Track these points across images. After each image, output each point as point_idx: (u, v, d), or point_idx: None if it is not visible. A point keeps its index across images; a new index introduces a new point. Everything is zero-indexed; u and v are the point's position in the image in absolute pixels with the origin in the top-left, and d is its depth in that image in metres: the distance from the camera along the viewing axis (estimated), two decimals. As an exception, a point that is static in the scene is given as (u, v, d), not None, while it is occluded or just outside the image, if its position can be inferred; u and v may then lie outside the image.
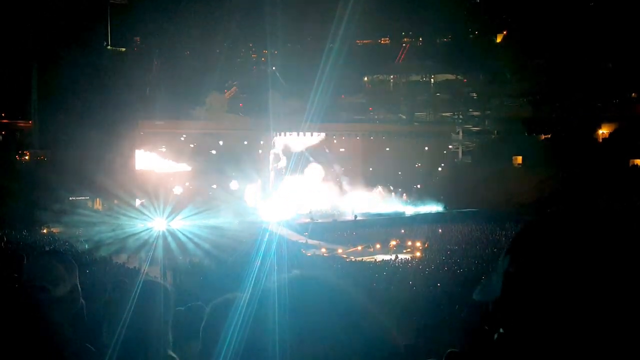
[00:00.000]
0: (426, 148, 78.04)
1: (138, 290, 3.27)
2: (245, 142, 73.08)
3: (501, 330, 1.23)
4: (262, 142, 73.02)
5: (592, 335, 1.09)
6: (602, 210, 1.25)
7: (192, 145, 70.40)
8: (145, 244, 37.34)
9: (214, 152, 71.07)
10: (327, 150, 73.79)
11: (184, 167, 68.90)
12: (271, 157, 73.35)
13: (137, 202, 52.78)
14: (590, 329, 1.09)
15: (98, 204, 60.28)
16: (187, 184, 66.64)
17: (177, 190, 62.82)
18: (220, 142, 72.47)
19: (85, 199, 58.66)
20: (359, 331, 1.41)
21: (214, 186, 66.20)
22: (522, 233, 1.29)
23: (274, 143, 73.41)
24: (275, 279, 1.56)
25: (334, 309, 1.43)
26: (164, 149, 69.02)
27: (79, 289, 3.19)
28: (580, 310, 1.10)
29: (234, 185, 66.88)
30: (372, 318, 1.48)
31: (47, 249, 29.89)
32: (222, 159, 68.03)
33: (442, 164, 78.69)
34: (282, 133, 72.79)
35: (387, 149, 75.75)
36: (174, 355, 3.30)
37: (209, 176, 65.95)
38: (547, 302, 1.13)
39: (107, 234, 41.59)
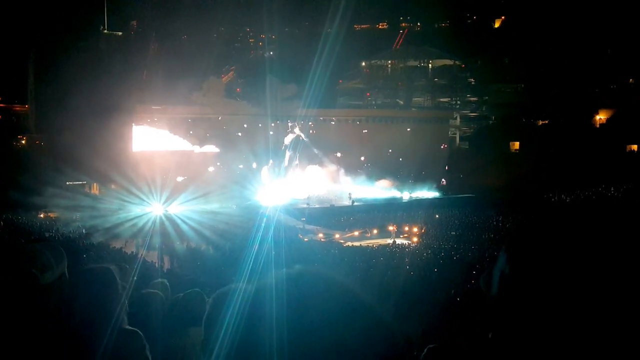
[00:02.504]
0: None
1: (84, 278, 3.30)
2: (245, 125, 73.06)
3: (490, 334, 1.24)
4: (272, 125, 72.78)
5: (585, 342, 1.09)
6: (601, 206, 1.24)
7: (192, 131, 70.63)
8: (142, 229, 37.33)
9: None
10: (323, 135, 73.70)
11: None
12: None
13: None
14: (584, 337, 1.10)
15: (95, 189, 60.23)
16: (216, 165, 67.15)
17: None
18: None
19: (82, 184, 58.60)
20: (359, 329, 1.42)
21: (211, 169, 66.55)
22: (519, 231, 1.29)
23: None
24: (273, 274, 1.57)
25: (335, 308, 1.44)
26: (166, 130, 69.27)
27: (67, 278, 3.21)
28: (573, 316, 1.10)
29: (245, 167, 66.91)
30: (374, 316, 1.48)
31: (35, 237, 29.90)
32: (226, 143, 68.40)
33: (440, 149, 78.58)
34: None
35: (383, 134, 75.51)
36: (132, 328, 3.34)
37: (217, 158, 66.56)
38: (539, 310, 1.13)
39: (104, 218, 41.59)
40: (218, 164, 67.63)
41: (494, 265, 1.29)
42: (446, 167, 73.27)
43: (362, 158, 72.45)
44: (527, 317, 1.15)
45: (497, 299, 1.24)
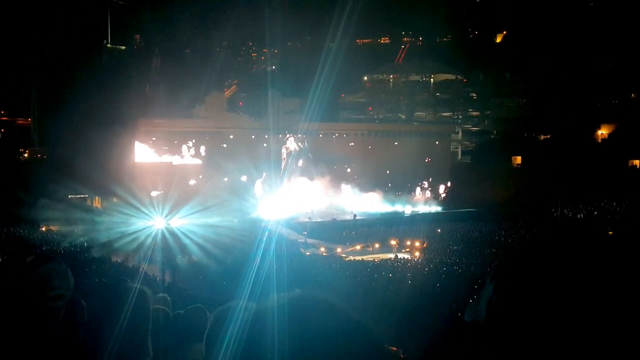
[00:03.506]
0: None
1: (112, 296, 3.27)
2: (253, 137, 73.20)
3: None
4: (266, 137, 72.85)
5: None
6: (592, 236, 1.25)
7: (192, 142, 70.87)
8: (144, 242, 37.25)
9: (224, 145, 71.32)
10: (324, 149, 73.65)
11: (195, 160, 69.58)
12: (283, 153, 73.35)
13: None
14: None
15: (97, 202, 60.23)
16: (200, 176, 67.21)
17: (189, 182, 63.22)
18: (231, 136, 72.81)
19: (84, 197, 58.63)
20: (358, 353, 1.42)
21: (201, 177, 66.77)
22: (507, 260, 1.30)
23: (285, 140, 73.47)
24: (275, 297, 1.57)
25: (334, 333, 1.45)
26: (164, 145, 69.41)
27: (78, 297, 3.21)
28: (563, 344, 1.10)
29: (242, 179, 66.88)
30: (373, 341, 1.49)
31: (42, 250, 29.81)
32: (226, 155, 68.29)
33: (442, 164, 78.45)
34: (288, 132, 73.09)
35: (387, 148, 75.55)
36: None
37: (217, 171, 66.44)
38: (528, 338, 1.13)
39: (105, 232, 41.52)
40: (201, 176, 67.58)
41: (480, 296, 1.30)
42: (429, 180, 73.09)
43: (362, 170, 72.27)
44: (516, 345, 1.16)
45: (485, 328, 1.25)
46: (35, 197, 48.35)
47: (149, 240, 37.29)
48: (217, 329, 2.58)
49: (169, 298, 6.40)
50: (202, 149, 70.71)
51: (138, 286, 3.43)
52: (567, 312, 1.09)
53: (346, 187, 68.13)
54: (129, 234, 39.76)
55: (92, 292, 3.41)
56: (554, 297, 1.12)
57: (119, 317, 3.15)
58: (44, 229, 47.89)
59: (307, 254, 43.53)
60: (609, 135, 72.96)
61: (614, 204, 57.23)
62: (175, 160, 68.17)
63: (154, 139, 69.15)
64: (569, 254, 1.18)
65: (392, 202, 67.14)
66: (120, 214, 45.37)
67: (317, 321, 1.44)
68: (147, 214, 43.63)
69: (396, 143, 77.51)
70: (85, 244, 39.30)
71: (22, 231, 44.14)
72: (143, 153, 68.09)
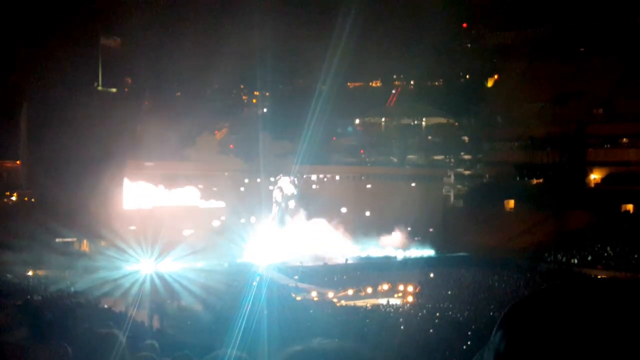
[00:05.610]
0: (387, 186, 77.57)
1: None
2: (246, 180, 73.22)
3: None
4: (257, 180, 72.81)
5: None
6: (604, 285, 1.12)
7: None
8: (132, 286, 36.81)
9: (215, 188, 71.12)
10: (315, 192, 73.56)
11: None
12: (273, 196, 73.21)
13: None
14: None
15: (85, 246, 59.70)
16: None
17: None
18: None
19: (72, 241, 58.08)
20: None
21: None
22: (515, 308, 1.17)
23: (277, 182, 73.35)
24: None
25: None
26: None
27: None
28: None
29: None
30: None
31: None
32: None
33: (434, 208, 78.35)
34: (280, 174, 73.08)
35: (378, 191, 75.49)
36: None
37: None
38: None
39: (93, 276, 41.01)
40: (191, 219, 67.32)
41: (485, 346, 1.19)
42: (421, 223, 72.82)
43: (353, 213, 72.03)
44: None
45: None
46: (22, 240, 47.82)
47: (138, 284, 36.89)
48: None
49: (156, 344, 6.19)
50: (193, 191, 70.45)
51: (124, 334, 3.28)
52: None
53: (337, 231, 67.72)
54: (117, 279, 39.31)
55: (78, 338, 3.20)
56: (571, 345, 1.11)
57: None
58: (30, 273, 47.29)
59: (298, 298, 43.27)
60: (602, 179, 73.11)
61: (608, 248, 57.06)
62: (166, 203, 67.77)
63: (143, 181, 69.01)
64: (588, 300, 1.12)
65: (384, 246, 66.91)
66: (109, 258, 44.93)
67: None
68: (135, 258, 43.24)
69: (388, 186, 77.54)
70: (72, 289, 38.81)
71: (8, 276, 43.49)
72: (132, 196, 67.85)
